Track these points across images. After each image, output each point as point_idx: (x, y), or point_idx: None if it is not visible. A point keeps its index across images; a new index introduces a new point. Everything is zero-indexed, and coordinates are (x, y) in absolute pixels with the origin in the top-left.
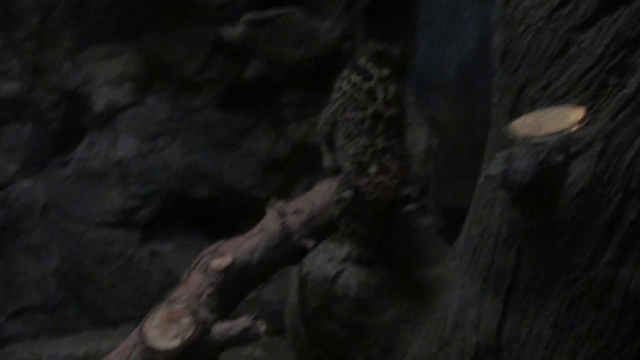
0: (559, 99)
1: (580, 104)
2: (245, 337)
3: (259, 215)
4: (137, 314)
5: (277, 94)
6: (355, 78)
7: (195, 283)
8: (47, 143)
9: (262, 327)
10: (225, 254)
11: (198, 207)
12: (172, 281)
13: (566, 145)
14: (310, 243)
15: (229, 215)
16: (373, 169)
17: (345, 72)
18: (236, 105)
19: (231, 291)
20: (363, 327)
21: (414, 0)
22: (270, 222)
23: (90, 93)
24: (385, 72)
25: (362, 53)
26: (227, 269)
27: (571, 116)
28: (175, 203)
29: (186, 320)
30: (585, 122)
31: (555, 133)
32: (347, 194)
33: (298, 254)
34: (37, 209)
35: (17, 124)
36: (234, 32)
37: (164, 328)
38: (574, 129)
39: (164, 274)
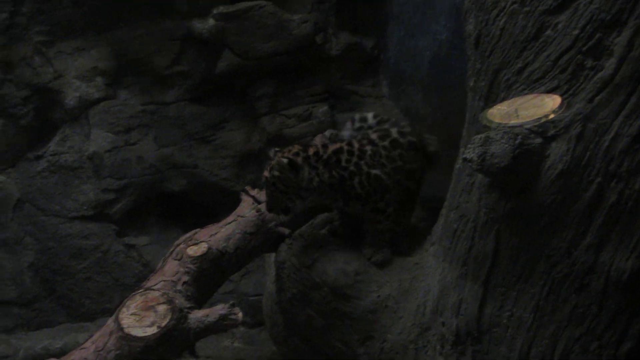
0: (534, 82)
1: (557, 87)
2: (222, 325)
3: (235, 207)
4: (113, 307)
5: (250, 87)
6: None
7: (171, 271)
8: (19, 138)
9: (239, 314)
10: (200, 242)
11: (173, 200)
12: (148, 274)
13: (544, 128)
14: (286, 230)
15: (204, 208)
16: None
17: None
18: (209, 98)
19: (207, 279)
20: (341, 314)
21: None
22: (245, 210)
23: (61, 87)
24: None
25: None
26: (203, 257)
27: (548, 103)
28: (150, 196)
29: (162, 308)
30: (562, 110)
31: (532, 120)
32: None
33: (274, 241)
34: (10, 203)
35: None
36: (204, 25)
37: (140, 316)
38: (550, 116)
39: (140, 266)
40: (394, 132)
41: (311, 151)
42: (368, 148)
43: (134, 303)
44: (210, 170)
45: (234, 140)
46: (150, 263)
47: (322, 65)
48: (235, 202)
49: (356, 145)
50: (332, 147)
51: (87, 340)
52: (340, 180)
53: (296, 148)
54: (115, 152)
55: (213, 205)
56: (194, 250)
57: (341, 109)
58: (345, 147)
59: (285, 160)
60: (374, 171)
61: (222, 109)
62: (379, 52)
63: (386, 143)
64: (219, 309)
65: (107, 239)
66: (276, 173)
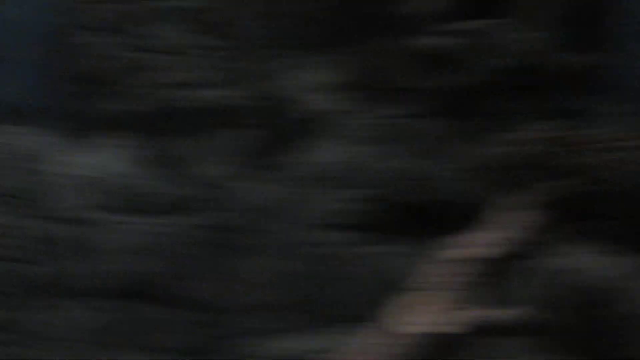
0: None
1: None
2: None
3: (468, 220)
4: (351, 314)
5: (482, 103)
6: None
7: (444, 273)
8: (260, 148)
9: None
10: (469, 247)
11: (410, 211)
12: (384, 284)
13: None
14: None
15: (439, 221)
16: None
17: None
18: (441, 113)
19: (479, 282)
20: None
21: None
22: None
23: (293, 99)
24: None
25: None
26: (474, 261)
27: None
28: (388, 207)
29: (435, 309)
30: None
31: None
32: None
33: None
34: (255, 211)
35: (230, 129)
36: (436, 41)
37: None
38: None
39: (378, 276)
40: None
41: None
42: None
43: (401, 304)
44: (445, 183)
45: (466, 154)
46: (387, 272)
47: (555, 83)
48: (469, 215)
49: None
50: None
51: (352, 342)
52: None
53: None
54: (352, 164)
55: (448, 217)
56: (462, 254)
57: (576, 126)
58: None
59: None
60: None
61: (453, 124)
62: (617, 69)
63: None
64: (508, 311)
65: (347, 248)
66: None
